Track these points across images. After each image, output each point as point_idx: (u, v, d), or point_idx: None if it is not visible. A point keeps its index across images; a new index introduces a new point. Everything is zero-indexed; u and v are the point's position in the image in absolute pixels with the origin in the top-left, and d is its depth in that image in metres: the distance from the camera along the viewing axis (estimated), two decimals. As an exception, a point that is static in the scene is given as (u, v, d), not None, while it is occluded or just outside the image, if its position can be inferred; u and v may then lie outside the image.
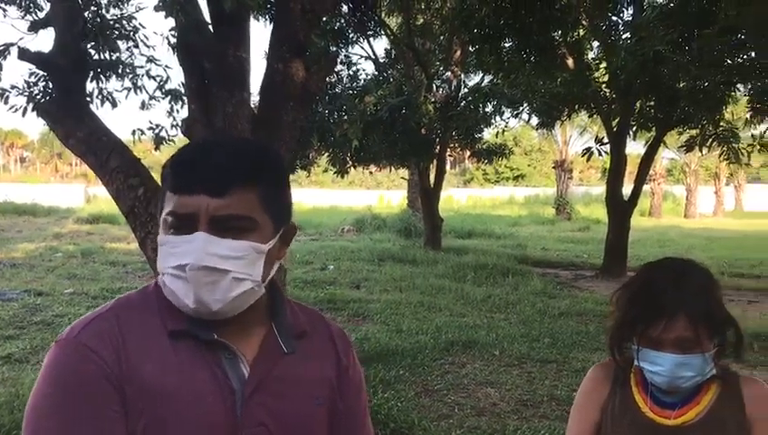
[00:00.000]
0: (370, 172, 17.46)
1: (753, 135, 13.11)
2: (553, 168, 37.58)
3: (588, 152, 12.53)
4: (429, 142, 15.02)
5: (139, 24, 5.67)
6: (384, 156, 14.91)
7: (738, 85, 11.78)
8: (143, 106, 6.50)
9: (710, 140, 12.43)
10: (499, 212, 35.92)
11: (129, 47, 5.71)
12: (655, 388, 1.61)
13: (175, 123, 5.92)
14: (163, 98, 6.34)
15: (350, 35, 14.58)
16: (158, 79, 6.22)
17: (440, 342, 7.06)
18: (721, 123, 12.45)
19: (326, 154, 14.83)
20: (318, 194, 44.38)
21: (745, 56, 10.55)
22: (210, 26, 4.32)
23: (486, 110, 13.92)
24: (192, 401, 1.14)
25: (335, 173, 15.48)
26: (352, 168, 15.65)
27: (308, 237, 19.33)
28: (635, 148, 17.96)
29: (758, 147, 12.66)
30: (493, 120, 14.64)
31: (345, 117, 12.02)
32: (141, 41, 5.65)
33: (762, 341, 7.46)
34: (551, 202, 36.47)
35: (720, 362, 1.63)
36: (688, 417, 1.57)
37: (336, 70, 14.03)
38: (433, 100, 15.06)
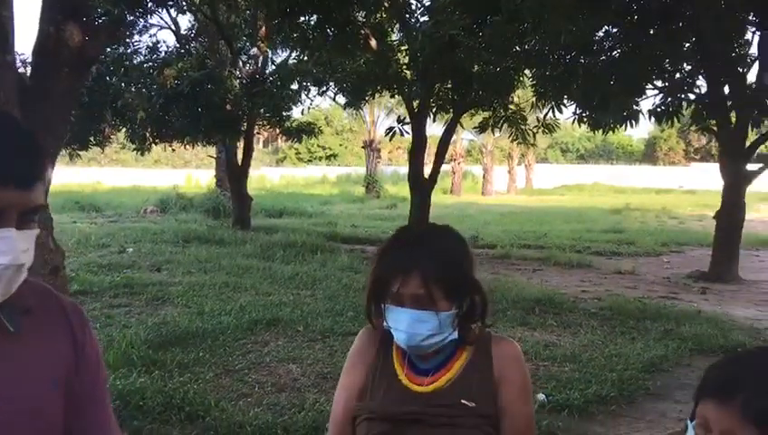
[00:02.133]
0: (173, 149, 16.71)
1: (537, 118, 14.31)
2: (363, 147, 38.46)
3: (391, 132, 12.94)
4: (235, 119, 14.63)
5: None
6: (187, 132, 14.28)
7: (525, 71, 12.75)
8: None
9: (501, 121, 13.38)
10: (312, 191, 36.19)
11: None
12: (412, 355, 1.63)
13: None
14: None
15: (148, 4, 13.70)
16: None
17: (243, 321, 6.92)
18: (510, 106, 13.43)
19: (123, 130, 13.91)
20: (119, 173, 41.81)
21: (530, 44, 11.41)
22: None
23: (292, 87, 13.82)
24: None
25: (134, 150, 14.60)
26: (153, 144, 14.84)
27: (106, 219, 18.10)
28: (439, 129, 19.01)
29: (542, 129, 13.84)
30: (299, 98, 14.59)
31: (143, 89, 11.33)
32: None
33: (542, 305, 8.20)
34: (361, 181, 37.37)
35: (480, 326, 1.68)
36: (440, 383, 1.59)
37: (133, 40, 13.21)
38: (239, 75, 14.68)
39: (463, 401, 1.56)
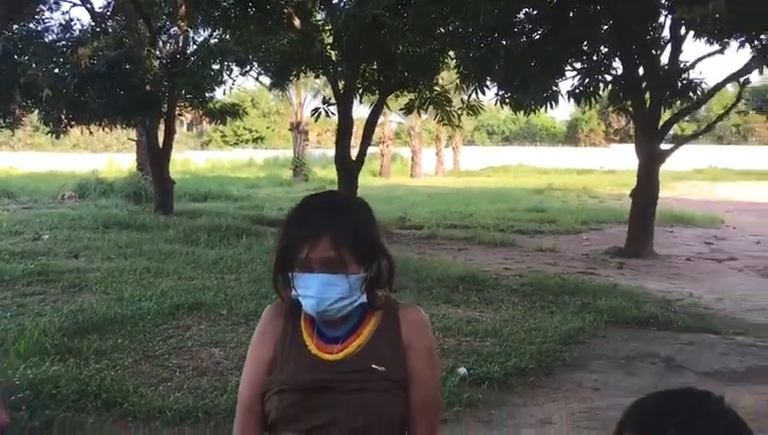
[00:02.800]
0: (90, 132, 16.05)
1: (462, 99, 14.46)
2: (290, 130, 38.01)
3: (316, 113, 12.81)
4: (155, 99, 14.13)
5: None
6: (104, 113, 13.71)
7: (450, 52, 12.83)
8: None
9: (426, 103, 13.46)
10: (238, 175, 35.61)
11: None
12: (321, 323, 1.63)
13: None
14: None
15: (61, -21, 13.12)
16: None
17: (165, 306, 6.76)
18: (435, 88, 13.51)
19: (36, 111, 13.27)
20: (34, 158, 39.99)
21: (453, 25, 11.49)
22: None
23: (214, 67, 13.48)
24: None
25: (48, 133, 13.96)
26: (69, 126, 14.21)
27: (20, 206, 17.32)
28: (367, 111, 18.97)
29: (467, 110, 14.01)
30: (221, 78, 14.26)
31: (55, 68, 10.82)
32: None
33: (466, 283, 8.33)
34: (289, 164, 36.98)
35: (386, 293, 1.70)
36: (350, 350, 1.60)
37: (43, 17, 12.60)
38: (159, 55, 14.21)
39: (373, 366, 1.58)
